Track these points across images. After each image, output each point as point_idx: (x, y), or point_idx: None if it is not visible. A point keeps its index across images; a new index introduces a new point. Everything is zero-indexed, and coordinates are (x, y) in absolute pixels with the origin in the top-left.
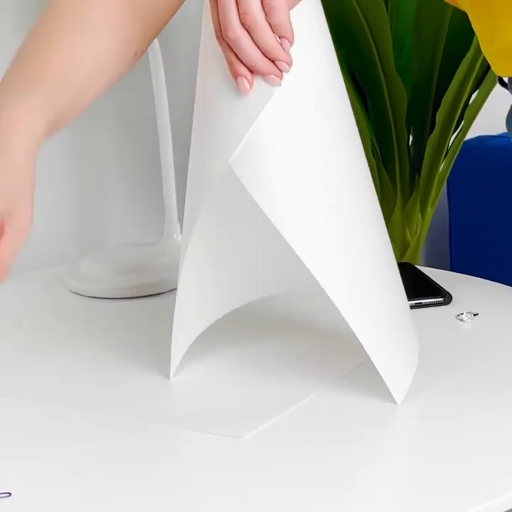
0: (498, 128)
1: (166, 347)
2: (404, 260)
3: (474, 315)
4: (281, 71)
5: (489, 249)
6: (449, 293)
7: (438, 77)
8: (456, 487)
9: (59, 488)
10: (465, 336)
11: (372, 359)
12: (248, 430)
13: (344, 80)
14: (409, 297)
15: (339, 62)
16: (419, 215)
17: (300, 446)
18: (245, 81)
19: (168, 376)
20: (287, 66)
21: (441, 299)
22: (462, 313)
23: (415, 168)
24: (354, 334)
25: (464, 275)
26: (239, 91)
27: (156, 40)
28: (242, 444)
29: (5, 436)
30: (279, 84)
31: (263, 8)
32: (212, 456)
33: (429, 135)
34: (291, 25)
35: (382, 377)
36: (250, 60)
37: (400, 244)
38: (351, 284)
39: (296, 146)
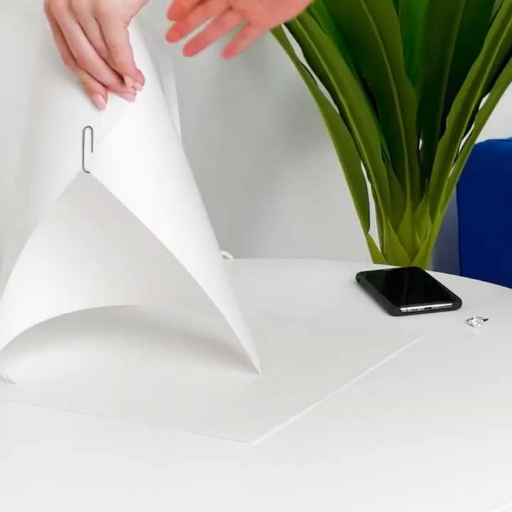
0: (509, 132)
1: (175, 351)
2: (413, 264)
3: (484, 320)
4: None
5: (498, 254)
6: (458, 298)
7: (448, 80)
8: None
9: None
10: (475, 341)
11: (236, 333)
12: (258, 435)
13: (354, 84)
14: (419, 302)
15: (349, 66)
16: (429, 219)
17: (310, 452)
18: (101, 97)
19: (178, 380)
20: (140, 85)
21: (450, 304)
22: (472, 318)
23: (425, 173)
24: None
25: (474, 280)
26: (96, 106)
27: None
28: (252, 449)
29: (29, 444)
30: (134, 100)
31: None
32: (221, 461)
33: (439, 139)
34: (132, 63)
35: (247, 351)
36: (107, 79)
37: (409, 249)
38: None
39: (141, 153)
